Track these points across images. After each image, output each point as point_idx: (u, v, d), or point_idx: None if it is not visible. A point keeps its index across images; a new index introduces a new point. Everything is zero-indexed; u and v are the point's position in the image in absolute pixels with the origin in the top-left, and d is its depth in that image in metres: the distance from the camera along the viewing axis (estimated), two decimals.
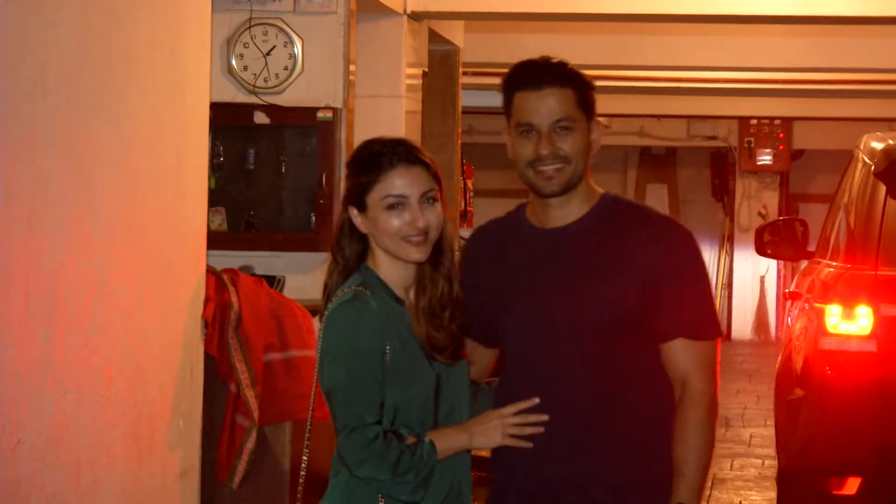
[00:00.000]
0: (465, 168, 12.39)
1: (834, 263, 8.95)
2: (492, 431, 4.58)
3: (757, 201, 24.65)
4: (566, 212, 4.84)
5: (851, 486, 8.39)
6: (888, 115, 19.10)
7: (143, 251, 5.41)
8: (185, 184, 5.83)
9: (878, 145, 9.05)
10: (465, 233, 13.17)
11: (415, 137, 10.24)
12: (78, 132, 4.84)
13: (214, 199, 7.78)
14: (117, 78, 5.07)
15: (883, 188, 8.68)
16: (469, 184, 12.94)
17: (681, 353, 4.84)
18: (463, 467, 4.57)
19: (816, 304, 8.66)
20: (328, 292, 4.50)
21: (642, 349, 4.86)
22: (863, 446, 8.32)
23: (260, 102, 8.08)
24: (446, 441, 4.46)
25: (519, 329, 4.85)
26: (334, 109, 8.07)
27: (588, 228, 4.85)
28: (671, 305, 4.82)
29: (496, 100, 4.71)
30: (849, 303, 8.38)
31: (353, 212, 4.50)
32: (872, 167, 8.85)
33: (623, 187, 24.69)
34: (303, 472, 4.61)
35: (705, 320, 4.91)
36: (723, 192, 25.65)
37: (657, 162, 26.09)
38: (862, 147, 9.23)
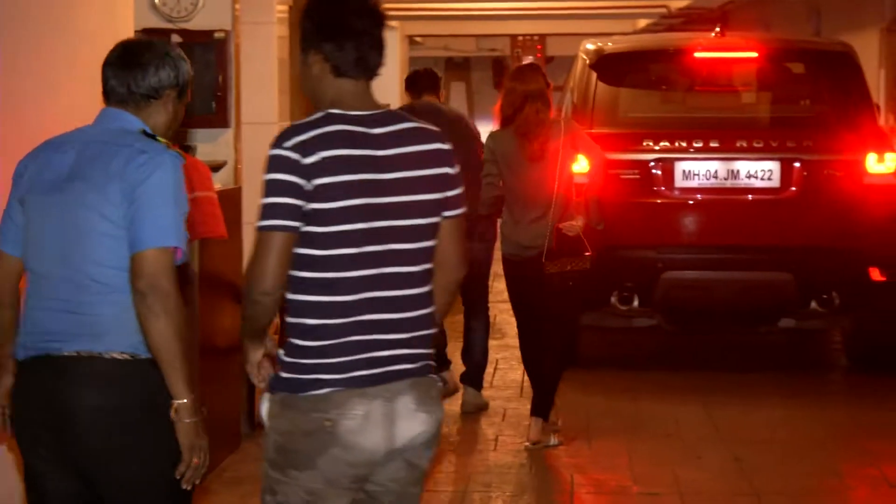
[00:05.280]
0: None
1: None
2: None
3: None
4: None
5: None
6: (606, 31, 19.25)
7: None
8: None
9: (591, 47, 9.16)
10: None
11: (283, 55, 10.14)
12: (47, 44, 4.80)
13: None
14: (64, 8, 5.01)
15: (594, 75, 8.79)
16: None
17: None
18: None
19: None
20: None
21: None
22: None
23: (175, 28, 8.01)
24: None
25: None
26: (226, 32, 8.03)
27: None
28: None
29: None
30: None
31: None
32: (588, 62, 8.95)
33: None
34: None
35: None
36: (501, 86, 25.93)
37: (458, 67, 26.33)
38: (582, 49, 9.32)
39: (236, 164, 8.17)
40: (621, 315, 8.67)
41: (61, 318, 3.48)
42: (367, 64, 3.47)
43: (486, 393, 8.22)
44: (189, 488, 3.54)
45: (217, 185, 6.60)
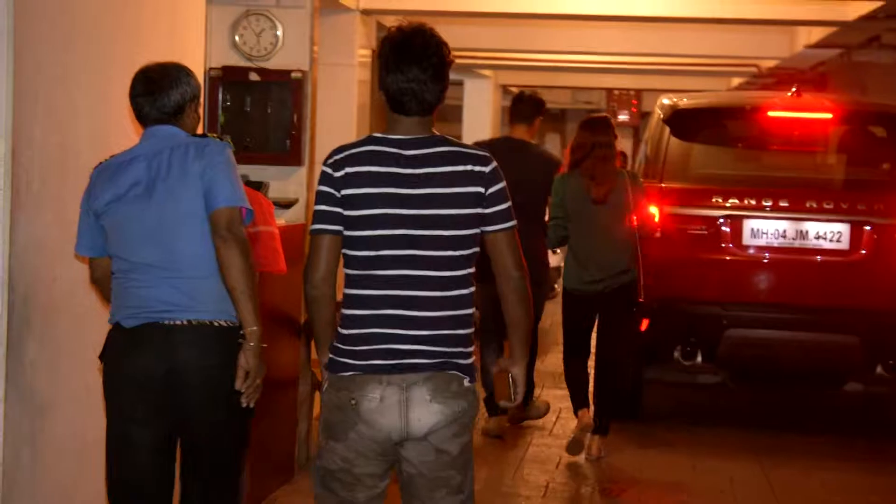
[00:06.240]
0: None
1: None
2: None
3: (618, 145, 24.91)
4: None
5: (644, 325, 8.55)
6: (700, 88, 19.25)
7: None
8: None
9: (666, 102, 9.22)
10: None
11: (364, 101, 10.29)
12: (101, 73, 4.95)
13: (224, 130, 7.97)
14: (129, 37, 5.16)
15: (667, 129, 8.85)
16: None
17: None
18: None
19: None
20: None
21: None
22: (651, 298, 8.44)
23: (254, 66, 8.18)
24: None
25: None
26: (303, 72, 8.17)
27: None
28: None
29: None
30: None
31: None
32: (662, 116, 9.01)
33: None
34: None
35: None
36: None
37: (553, 119, 26.44)
38: (658, 104, 9.38)
39: (308, 202, 8.32)
40: (684, 370, 8.67)
41: (170, 293, 4.19)
42: (421, 104, 3.89)
43: (544, 441, 8.24)
44: (251, 405, 4.23)
45: (280, 221, 6.72)
